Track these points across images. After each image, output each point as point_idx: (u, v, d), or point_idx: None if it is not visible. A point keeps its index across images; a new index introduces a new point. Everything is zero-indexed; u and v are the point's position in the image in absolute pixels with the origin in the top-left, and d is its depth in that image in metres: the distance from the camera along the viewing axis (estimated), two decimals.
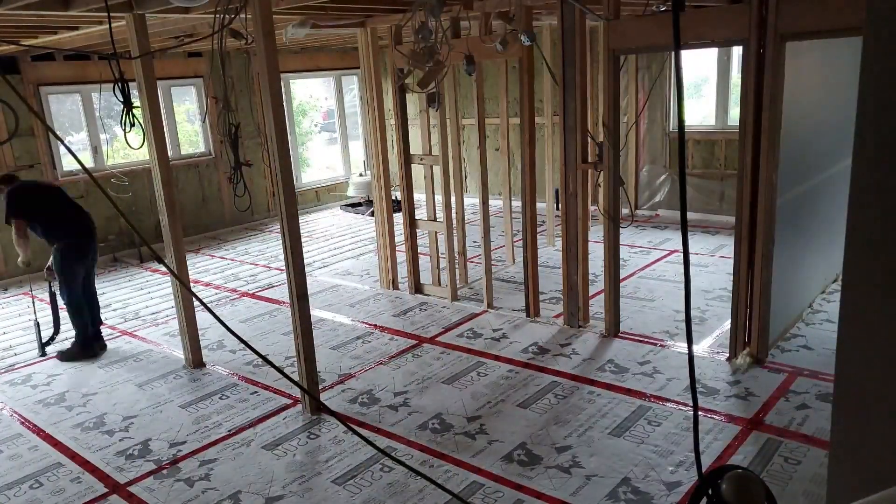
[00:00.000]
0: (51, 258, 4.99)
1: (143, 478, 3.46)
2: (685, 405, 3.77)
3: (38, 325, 5.14)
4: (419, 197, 6.19)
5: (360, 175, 9.77)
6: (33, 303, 5.52)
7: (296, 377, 4.11)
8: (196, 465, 3.55)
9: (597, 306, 4.97)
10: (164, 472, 3.50)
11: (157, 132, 4.33)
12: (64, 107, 7.75)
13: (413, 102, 5.88)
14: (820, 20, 3.50)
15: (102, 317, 5.87)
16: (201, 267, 7.28)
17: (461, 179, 5.99)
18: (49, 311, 5.27)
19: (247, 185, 4.62)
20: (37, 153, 7.18)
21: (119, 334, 5.47)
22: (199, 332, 4.78)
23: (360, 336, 5.09)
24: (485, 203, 5.33)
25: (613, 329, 4.75)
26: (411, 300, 5.78)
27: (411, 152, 5.66)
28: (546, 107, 6.82)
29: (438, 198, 5.59)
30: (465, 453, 3.45)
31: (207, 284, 6.65)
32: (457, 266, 5.77)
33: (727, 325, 4.41)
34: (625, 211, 7.52)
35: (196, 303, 4.60)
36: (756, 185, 3.94)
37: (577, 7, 4.31)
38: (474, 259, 6.55)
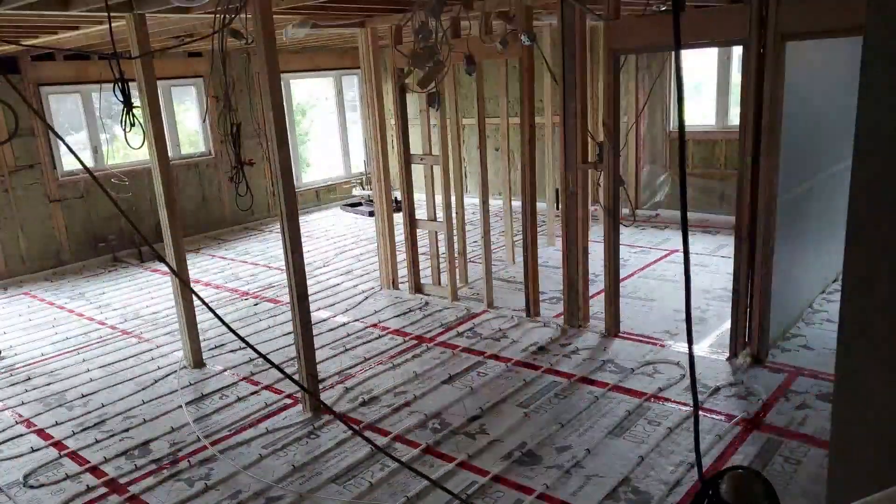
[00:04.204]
0: None
1: (143, 478, 3.46)
2: (685, 405, 3.77)
3: None
4: (419, 197, 6.19)
5: (362, 175, 9.77)
6: None
7: (296, 377, 4.11)
8: (196, 465, 3.54)
9: (597, 306, 4.97)
10: (164, 472, 3.50)
11: (157, 132, 4.33)
12: (64, 106, 7.75)
13: (413, 102, 5.88)
14: (820, 20, 3.50)
15: (103, 316, 5.89)
16: (201, 267, 7.27)
17: (461, 179, 5.99)
18: None
19: (248, 185, 4.62)
20: (37, 153, 7.18)
21: (119, 334, 5.47)
22: (200, 332, 4.78)
23: (360, 336, 5.09)
24: (485, 203, 5.33)
25: (613, 329, 4.74)
26: (411, 300, 5.78)
27: (411, 152, 5.66)
28: (546, 107, 6.82)
29: (438, 198, 5.59)
30: (465, 453, 3.45)
31: (207, 284, 6.64)
32: (457, 266, 5.76)
33: (727, 324, 4.41)
34: (625, 211, 7.52)
35: (196, 302, 4.60)
36: (756, 185, 3.94)
37: (578, 7, 4.31)
38: (474, 259, 6.55)
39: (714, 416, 3.64)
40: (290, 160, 3.74)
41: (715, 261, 6.25)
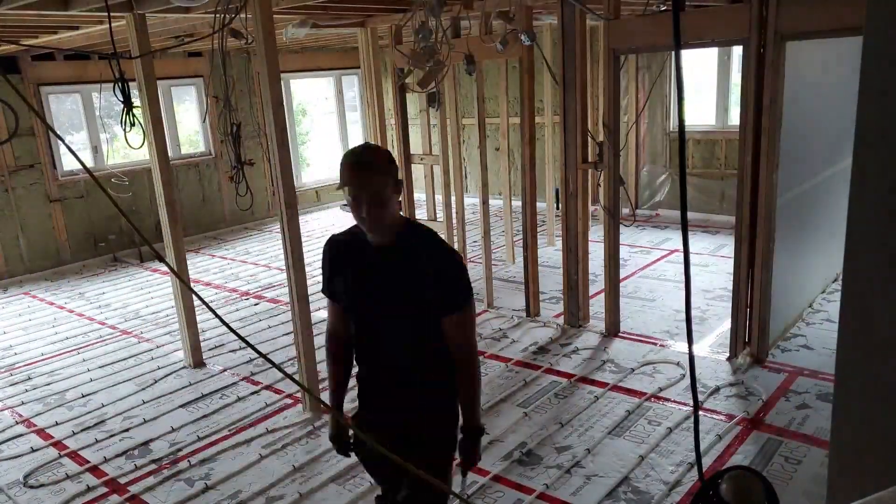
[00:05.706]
0: None
1: (143, 478, 3.46)
2: (685, 405, 3.77)
3: None
4: (419, 196, 6.19)
5: None
6: None
7: (296, 377, 4.11)
8: (196, 465, 3.54)
9: (597, 306, 4.97)
10: (164, 472, 3.50)
11: (157, 132, 4.33)
12: (64, 106, 7.75)
13: (413, 102, 5.88)
14: (820, 20, 3.50)
15: (103, 316, 5.89)
16: (201, 267, 7.27)
17: (461, 179, 5.99)
18: None
19: (248, 185, 4.62)
20: (37, 153, 7.18)
21: (119, 334, 5.47)
22: (200, 332, 4.78)
23: None
24: (485, 203, 5.33)
25: (613, 329, 4.74)
26: None
27: (411, 152, 5.66)
28: (546, 107, 6.81)
29: (438, 197, 5.59)
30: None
31: (207, 284, 6.64)
32: None
33: (727, 324, 4.41)
34: (625, 211, 7.52)
35: (196, 302, 4.60)
36: (756, 185, 3.94)
37: (578, 7, 4.31)
38: (474, 259, 6.54)
39: (714, 416, 3.64)
40: (290, 160, 3.74)
41: (715, 261, 6.25)
